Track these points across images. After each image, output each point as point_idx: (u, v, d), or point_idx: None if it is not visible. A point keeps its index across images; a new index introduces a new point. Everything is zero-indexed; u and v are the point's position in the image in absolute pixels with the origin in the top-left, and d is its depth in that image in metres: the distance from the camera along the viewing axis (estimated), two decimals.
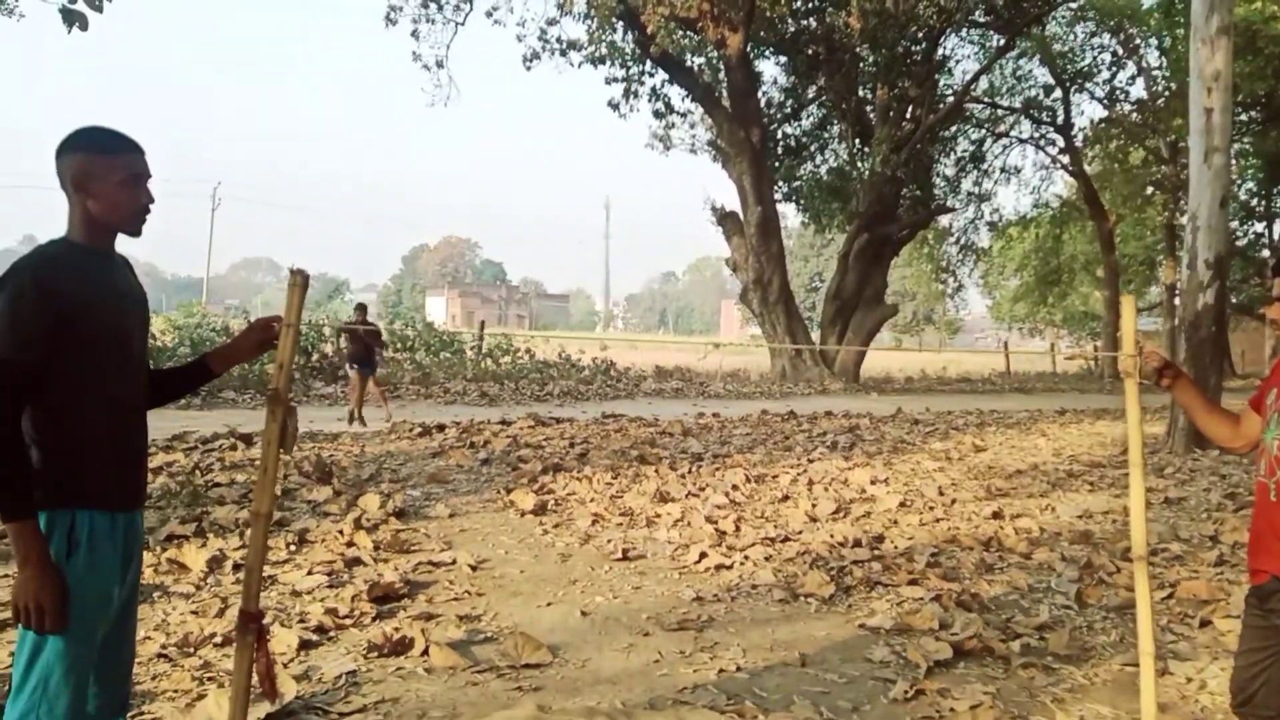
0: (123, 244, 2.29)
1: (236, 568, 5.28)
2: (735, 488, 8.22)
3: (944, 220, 30.47)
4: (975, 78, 26.05)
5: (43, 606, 1.99)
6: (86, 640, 2.09)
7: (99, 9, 8.24)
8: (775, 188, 24.78)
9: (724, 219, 23.85)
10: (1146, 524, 7.31)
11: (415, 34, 23.15)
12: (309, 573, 5.24)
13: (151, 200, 2.23)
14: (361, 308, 13.86)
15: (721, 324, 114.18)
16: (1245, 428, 2.67)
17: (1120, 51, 29.58)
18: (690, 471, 8.98)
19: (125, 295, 2.23)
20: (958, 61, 27.96)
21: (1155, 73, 29.43)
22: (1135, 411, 2.60)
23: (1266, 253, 34.97)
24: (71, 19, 8.61)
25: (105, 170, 2.15)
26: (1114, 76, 30.14)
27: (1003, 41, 25.06)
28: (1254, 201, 32.83)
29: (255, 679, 2.35)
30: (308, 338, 18.04)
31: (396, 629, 4.27)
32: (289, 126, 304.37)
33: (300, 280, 2.25)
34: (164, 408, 2.44)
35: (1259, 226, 34.81)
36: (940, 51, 25.20)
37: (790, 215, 27.68)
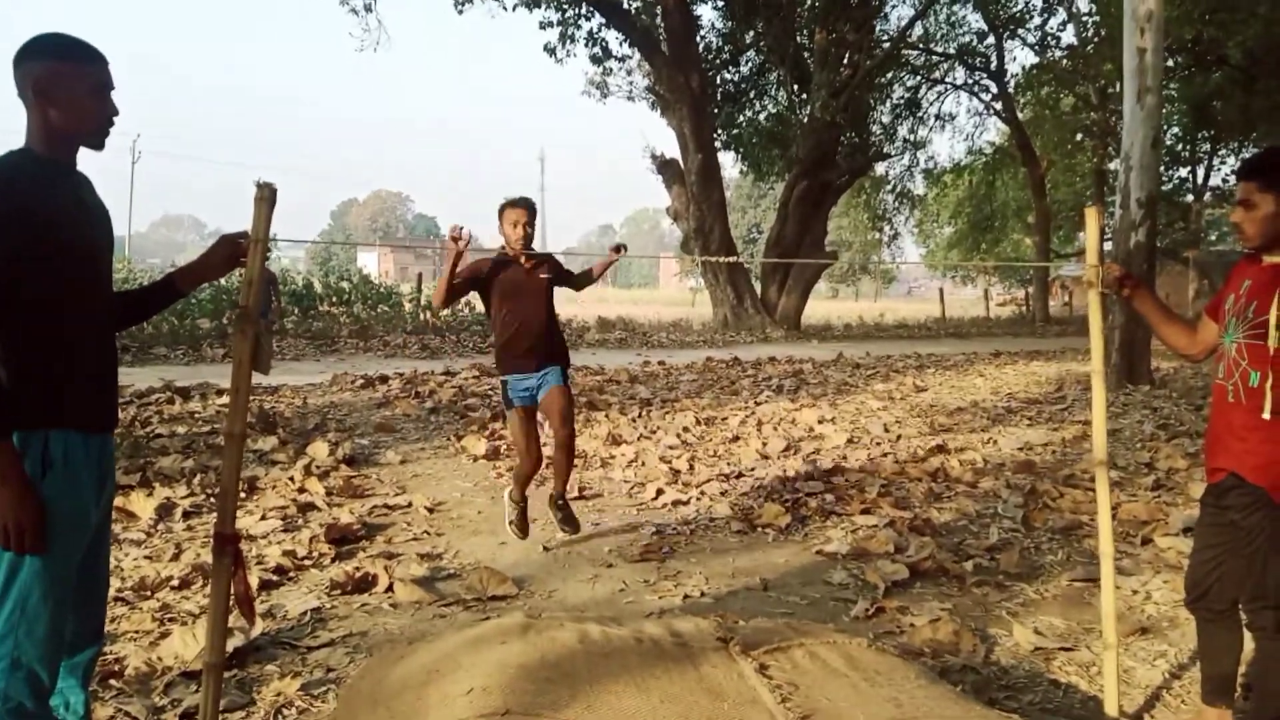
0: None
1: (186, 515, 5.20)
2: (686, 429, 8.28)
3: (880, 168, 30.69)
4: (911, 23, 26.13)
5: (22, 526, 1.92)
6: (64, 561, 2.03)
7: None
8: (714, 135, 24.69)
9: (664, 167, 23.71)
10: (1084, 453, 7.49)
11: None
12: (262, 518, 5.16)
13: (116, 112, 2.14)
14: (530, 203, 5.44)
15: (660, 276, 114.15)
16: (1202, 335, 2.75)
17: None
18: (640, 415, 9.02)
19: (91, 208, 2.15)
20: (894, 6, 28.00)
21: (1085, 18, 29.79)
22: (1097, 319, 2.67)
23: (1190, 197, 35.92)
24: None
25: (71, 78, 2.05)
26: (1045, 22, 30.42)
27: None
28: (1179, 146, 33.62)
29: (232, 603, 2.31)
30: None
31: (358, 568, 4.24)
32: (211, 78, 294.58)
33: (267, 194, 2.18)
34: None
35: (1184, 171, 35.70)
36: None
37: (728, 166, 27.72)
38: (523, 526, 4.89)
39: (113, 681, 3.09)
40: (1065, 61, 30.26)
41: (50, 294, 2.02)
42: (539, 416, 4.95)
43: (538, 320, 4.77)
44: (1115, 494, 6.02)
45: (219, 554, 2.23)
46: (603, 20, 22.85)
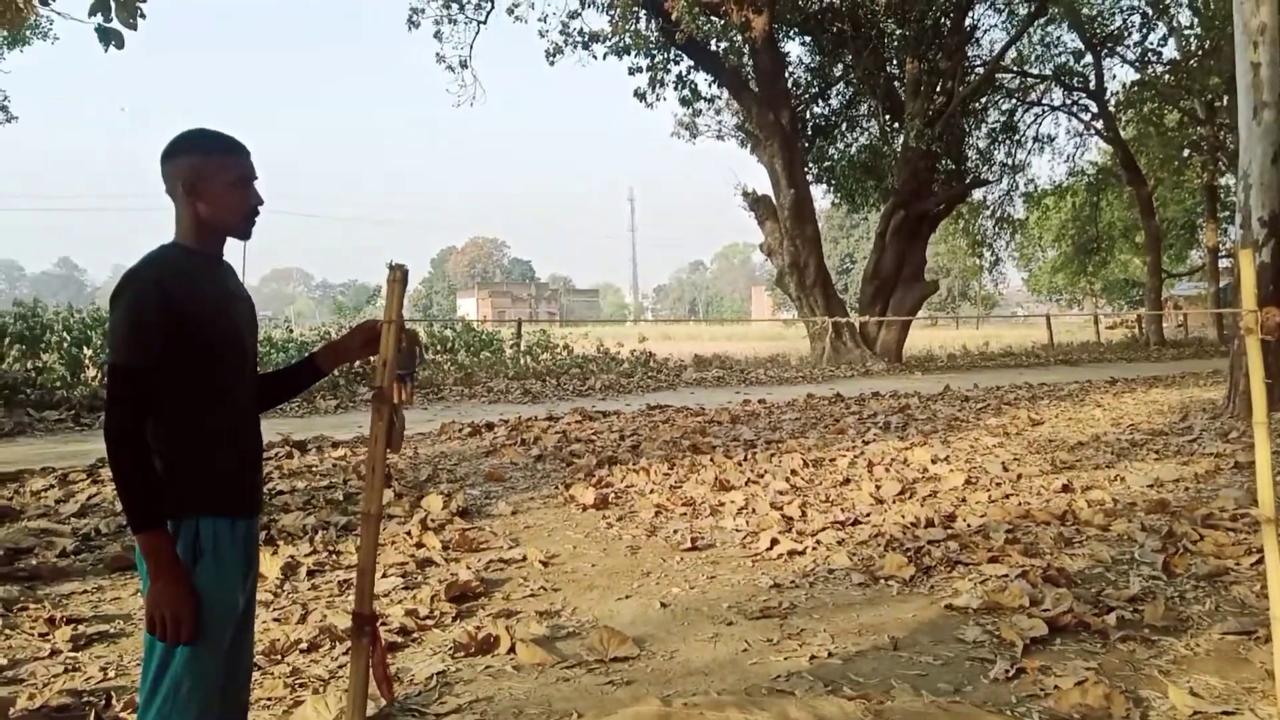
0: None
1: (311, 574, 5.29)
2: (794, 473, 8.14)
3: (978, 193, 30.08)
4: (1006, 47, 25.64)
5: (178, 617, 1.96)
6: (215, 649, 2.06)
7: (134, 27, 8.27)
8: (806, 169, 24.57)
9: (756, 204, 23.67)
10: (1220, 489, 7.09)
11: (438, 35, 23.20)
12: (383, 575, 5.22)
13: (261, 202, 2.20)
14: None
15: (752, 310, 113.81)
16: None
17: (1150, 12, 29.00)
18: (746, 459, 8.91)
19: (237, 298, 2.20)
20: (985, 31, 27.46)
21: (1187, 32, 28.87)
22: (1258, 368, 2.50)
23: None
24: (108, 38, 8.66)
25: (216, 172, 2.12)
26: (1145, 38, 29.62)
27: (1032, 8, 24.64)
28: None
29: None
30: None
31: (479, 628, 4.24)
32: (311, 134, 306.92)
33: (400, 275, 2.21)
34: None
35: None
36: (968, 21, 24.83)
37: (819, 197, 27.41)
38: None
39: None
40: (1168, 77, 29.29)
41: (199, 383, 2.07)
42: None
43: None
44: (1259, 535, 5.66)
45: (357, 633, 2.24)
46: (691, 63, 23.07)
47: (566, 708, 3.42)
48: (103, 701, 3.46)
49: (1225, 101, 26.76)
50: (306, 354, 2.45)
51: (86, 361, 15.92)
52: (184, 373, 2.03)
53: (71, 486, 7.77)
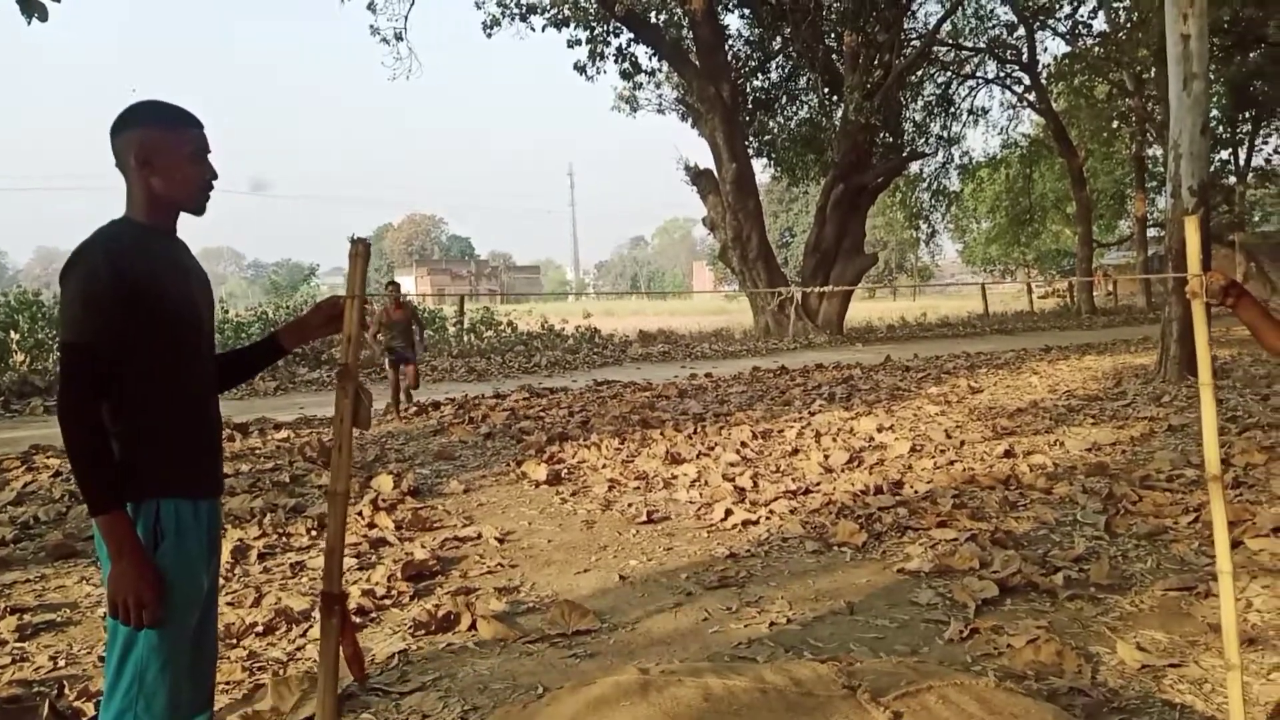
0: None
1: (261, 556, 5.22)
2: (744, 444, 8.21)
3: (915, 166, 30.41)
4: (942, 20, 25.90)
5: (141, 600, 1.91)
6: (179, 632, 2.01)
7: None
8: (747, 143, 24.61)
9: (698, 177, 23.67)
10: (1155, 452, 7.31)
11: (371, 7, 22.68)
12: None
13: (215, 176, 2.14)
14: (394, 285, 11.15)
15: (694, 285, 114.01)
16: None
17: None
18: (695, 432, 8.96)
19: (192, 273, 2.14)
20: (921, 3, 27.70)
21: (1116, 5, 29.39)
22: (1203, 332, 2.56)
23: (1233, 179, 35.26)
24: (31, 9, 8.31)
25: (172, 145, 2.05)
26: (1075, 10, 30.08)
27: None
28: (1219, 129, 33.02)
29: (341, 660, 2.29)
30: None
31: (438, 606, 4.22)
32: (235, 110, 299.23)
33: (362, 250, 2.16)
34: None
35: (1224, 154, 35.09)
36: None
37: (759, 170, 27.45)
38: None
39: None
40: (1098, 49, 29.83)
41: (157, 363, 2.01)
42: None
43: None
44: (1195, 494, 5.86)
45: (327, 613, 2.21)
46: (631, 35, 22.91)
47: (531, 681, 3.42)
48: (55, 691, 3.38)
49: (1153, 73, 27.34)
50: (269, 332, 2.39)
51: (14, 347, 15.43)
52: (139, 350, 1.97)
53: (6, 474, 7.54)
